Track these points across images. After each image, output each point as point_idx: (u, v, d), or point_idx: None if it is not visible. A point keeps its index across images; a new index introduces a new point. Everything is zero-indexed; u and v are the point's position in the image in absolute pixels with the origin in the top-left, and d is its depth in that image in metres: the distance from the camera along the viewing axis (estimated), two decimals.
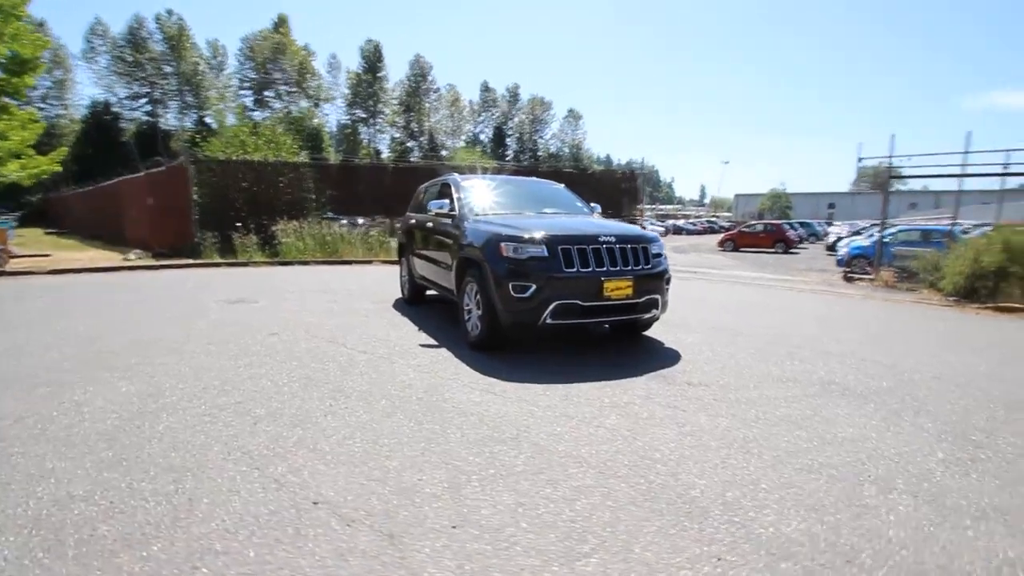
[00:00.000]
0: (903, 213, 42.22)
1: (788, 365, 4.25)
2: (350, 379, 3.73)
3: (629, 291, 4.20)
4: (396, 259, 7.69)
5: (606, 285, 4.10)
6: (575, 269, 4.07)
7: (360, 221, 16.09)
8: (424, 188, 7.02)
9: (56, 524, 1.98)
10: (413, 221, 6.69)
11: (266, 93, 57.32)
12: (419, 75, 70.25)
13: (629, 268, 4.23)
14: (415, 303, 6.88)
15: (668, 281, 4.59)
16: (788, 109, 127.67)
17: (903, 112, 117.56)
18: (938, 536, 1.97)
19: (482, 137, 77.63)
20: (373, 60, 64.81)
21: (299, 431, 2.82)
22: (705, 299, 8.28)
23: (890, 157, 10.89)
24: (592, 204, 5.84)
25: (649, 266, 4.37)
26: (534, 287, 4.01)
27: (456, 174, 6.02)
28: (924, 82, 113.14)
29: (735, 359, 4.39)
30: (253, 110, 54.66)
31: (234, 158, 15.28)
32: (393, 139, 70.59)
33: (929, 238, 13.15)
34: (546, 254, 4.05)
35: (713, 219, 60.41)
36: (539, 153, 77.13)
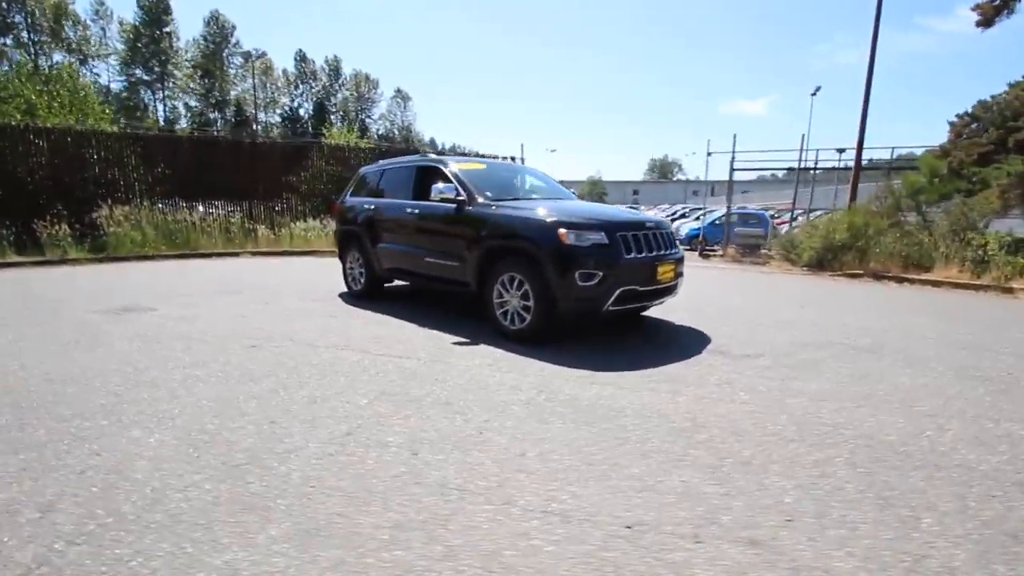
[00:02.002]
0: (689, 199, 50.88)
1: (786, 333, 4.96)
2: (439, 391, 3.28)
3: (672, 274, 4.44)
4: (274, 250, 6.80)
5: (659, 269, 4.27)
6: (633, 255, 4.14)
7: (201, 208, 13.56)
8: (377, 172, 6.29)
9: None
10: (372, 207, 5.97)
11: (5, 41, 43.76)
12: (218, 35, 60.71)
13: (669, 252, 4.46)
14: (368, 296, 6.21)
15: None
16: (611, 98, 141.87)
17: (685, 110, 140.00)
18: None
19: (301, 112, 70.79)
20: (157, 12, 53.91)
21: (496, 468, 2.42)
22: None
23: (733, 152, 13.02)
24: (571, 189, 5.94)
25: (676, 250, 4.66)
26: (600, 274, 3.98)
27: (437, 155, 5.51)
28: (697, 87, 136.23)
29: (737, 330, 4.95)
30: None
31: (17, 123, 11.51)
32: (189, 108, 60.15)
33: (748, 220, 16.10)
34: (607, 241, 4.04)
35: None
36: (367, 133, 73.25)
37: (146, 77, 54.77)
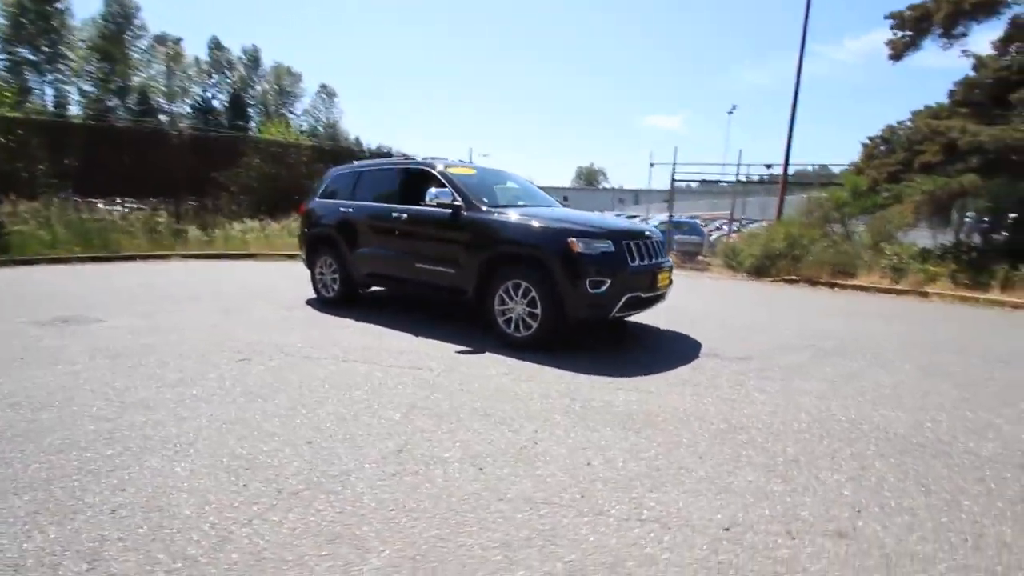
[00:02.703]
0: (616, 207, 53.22)
1: (762, 336, 5.31)
2: (470, 402, 3.19)
3: (667, 281, 4.63)
4: (207, 253, 6.32)
5: (659, 276, 4.43)
6: (636, 263, 4.27)
7: (121, 206, 12.25)
8: (352, 174, 6.00)
9: None
10: (349, 210, 5.70)
11: None
12: (120, 16, 55.22)
13: (664, 260, 4.64)
14: (341, 304, 5.92)
15: None
16: (540, 104, 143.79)
17: (607, 122, 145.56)
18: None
19: (216, 104, 65.94)
20: None
21: (570, 479, 2.39)
22: None
23: (674, 164, 13.77)
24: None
25: (668, 258, 4.86)
26: (609, 282, 4.06)
27: (427, 157, 5.36)
28: (618, 100, 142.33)
29: (718, 333, 5.23)
30: None
31: None
32: (84, 93, 54.14)
33: (682, 228, 17.05)
34: (614, 249, 4.13)
35: None
36: (288, 128, 69.43)
37: (32, 57, 48.55)
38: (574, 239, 4.07)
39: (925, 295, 8.10)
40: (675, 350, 4.58)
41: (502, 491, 2.18)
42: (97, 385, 3.26)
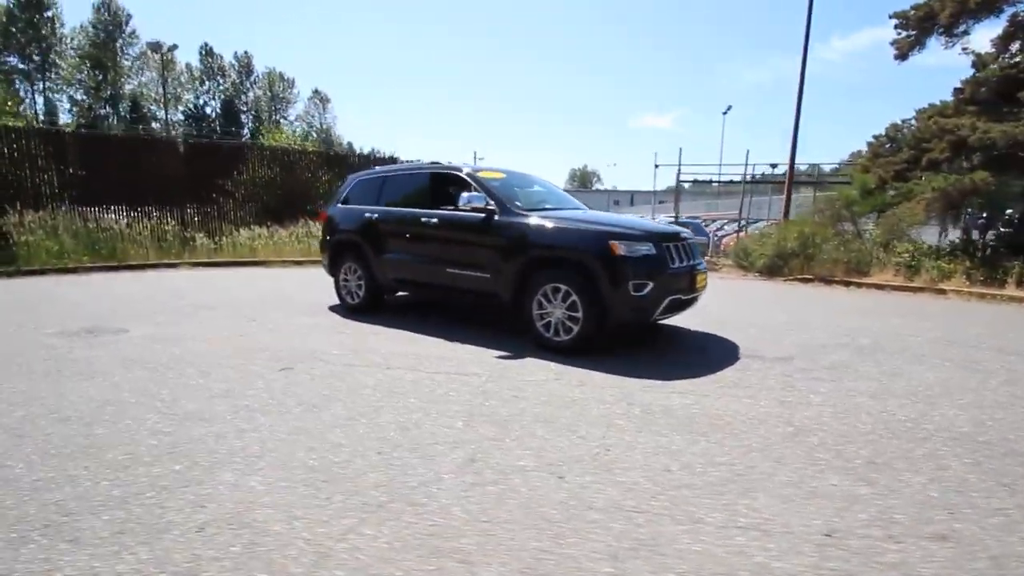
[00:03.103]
0: (611, 208, 53.51)
1: (795, 336, 5.30)
2: (529, 408, 3.15)
3: (704, 283, 4.61)
4: (215, 261, 6.21)
5: (697, 278, 4.41)
6: (676, 265, 4.25)
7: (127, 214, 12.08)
8: (376, 179, 5.96)
9: None
10: (375, 216, 5.64)
11: None
12: (110, 23, 54.91)
13: (700, 262, 4.63)
14: (365, 310, 5.86)
15: None
16: (532, 105, 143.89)
17: (597, 123, 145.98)
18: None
19: (208, 110, 65.61)
20: None
21: (654, 486, 2.35)
22: None
23: (679, 165, 13.80)
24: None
25: (702, 260, 4.84)
26: (651, 284, 4.03)
27: (458, 163, 5.30)
28: (606, 101, 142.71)
29: (750, 333, 5.22)
30: None
31: None
32: (75, 101, 53.75)
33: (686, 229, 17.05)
34: (655, 252, 4.11)
35: None
36: (282, 134, 69.07)
37: (22, 66, 48.14)
38: (616, 242, 4.04)
39: (942, 292, 8.14)
40: (714, 352, 4.55)
41: (589, 500, 2.14)
42: (143, 397, 3.20)
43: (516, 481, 2.28)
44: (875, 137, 12.03)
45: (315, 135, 77.58)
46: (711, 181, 23.74)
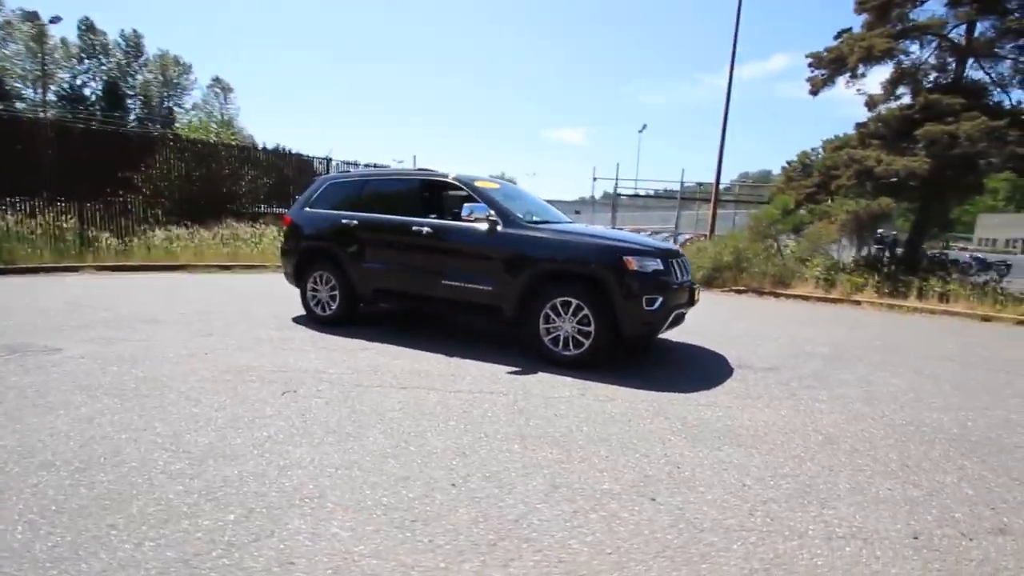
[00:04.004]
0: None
1: (766, 347, 5.70)
2: (575, 427, 3.09)
3: (698, 296, 4.82)
4: (125, 264, 5.63)
5: (694, 292, 4.61)
6: (679, 280, 4.41)
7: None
8: (355, 183, 5.59)
9: None
10: (355, 222, 5.29)
11: None
12: None
13: (691, 277, 4.84)
14: (339, 323, 5.47)
15: None
16: (446, 115, 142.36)
17: (509, 134, 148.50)
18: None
19: (87, 91, 58.10)
20: None
21: (743, 502, 2.39)
22: None
23: (616, 179, 14.42)
24: None
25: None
26: (661, 299, 4.14)
27: (457, 172, 5.11)
28: (517, 113, 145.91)
29: (723, 343, 5.55)
30: None
31: None
32: None
33: None
34: (663, 267, 4.24)
35: None
36: (177, 124, 62.77)
37: None
38: (630, 257, 4.11)
39: (857, 303, 9.21)
40: (704, 363, 4.77)
41: (694, 521, 2.14)
42: (131, 431, 2.73)
43: (613, 506, 2.22)
44: (788, 163, 13.36)
45: (215, 126, 71.58)
46: (646, 195, 25.08)
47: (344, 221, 5.37)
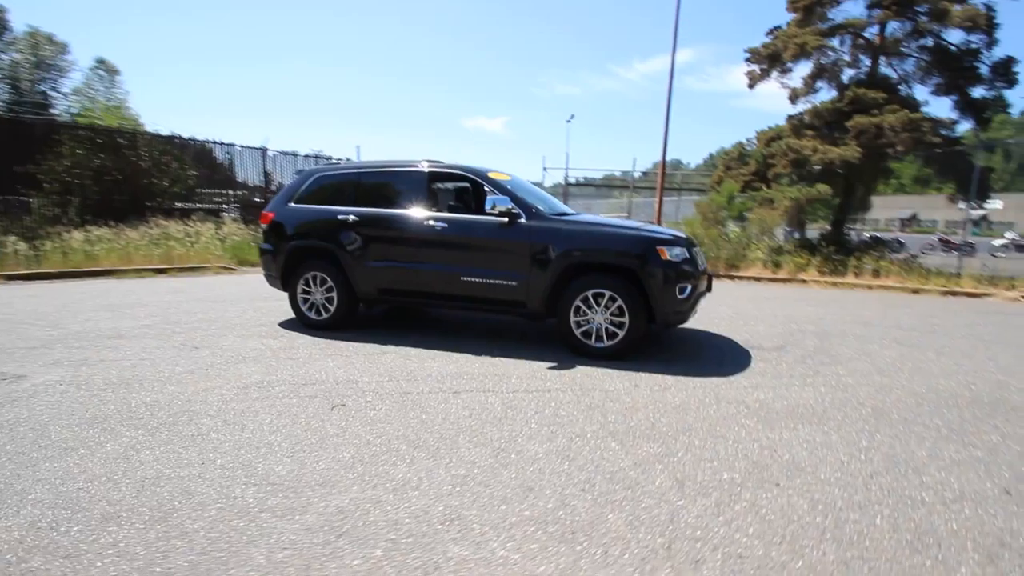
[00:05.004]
0: None
1: (762, 326, 6.01)
2: (654, 421, 3.09)
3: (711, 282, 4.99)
4: (37, 272, 4.96)
5: (711, 279, 4.76)
6: (700, 267, 4.53)
7: None
8: (349, 176, 5.20)
9: None
10: (353, 218, 4.92)
11: None
12: None
13: None
14: (335, 327, 5.10)
15: None
16: (360, 104, 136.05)
17: (435, 126, 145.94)
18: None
19: None
20: None
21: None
22: None
23: (566, 168, 14.57)
24: None
25: None
26: (690, 287, 4.24)
27: (467, 164, 4.86)
28: (439, 101, 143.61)
29: (724, 326, 5.81)
30: None
31: None
32: None
33: None
34: (688, 255, 4.33)
35: None
36: (53, 110, 55.08)
37: None
38: (663, 247, 4.16)
39: (804, 282, 10.00)
40: (718, 346, 4.95)
41: (829, 502, 2.20)
42: (193, 467, 2.38)
43: (747, 496, 2.24)
44: (725, 152, 14.16)
45: (99, 112, 63.79)
46: (589, 183, 25.52)
47: (340, 217, 4.99)
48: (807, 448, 2.73)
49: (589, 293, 4.24)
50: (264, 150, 13.69)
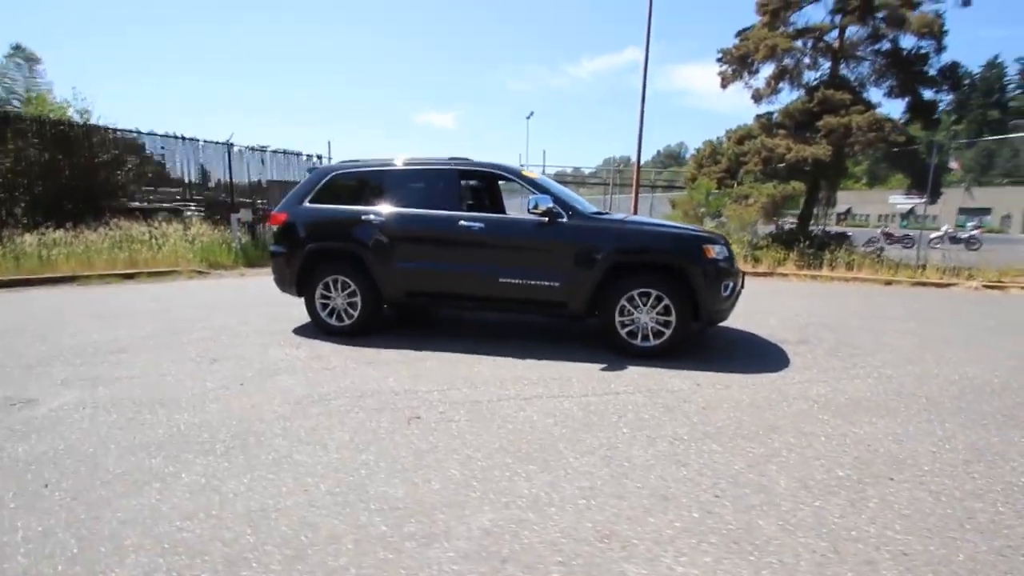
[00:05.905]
0: None
1: (774, 319, 6.18)
2: (745, 424, 3.10)
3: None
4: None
5: (744, 276, 4.85)
6: (737, 264, 4.60)
7: None
8: (371, 175, 4.96)
9: None
10: (378, 219, 4.70)
11: None
12: None
13: None
14: (359, 332, 4.87)
15: None
16: (304, 98, 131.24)
17: (385, 122, 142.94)
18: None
19: None
20: None
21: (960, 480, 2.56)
22: None
23: (544, 165, 14.58)
24: None
25: None
26: (732, 284, 4.31)
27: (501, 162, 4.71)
28: (389, 96, 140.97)
29: (740, 322, 5.94)
30: None
31: None
32: None
33: None
34: (728, 253, 4.39)
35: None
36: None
37: None
38: (708, 245, 4.20)
39: (784, 276, 10.42)
40: (747, 341, 5.04)
41: (946, 492, 2.27)
42: (296, 496, 2.19)
43: (871, 492, 2.27)
44: (697, 150, 14.57)
45: (18, 103, 58.42)
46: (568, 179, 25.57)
47: (364, 218, 4.75)
48: (894, 441, 2.81)
49: (635, 292, 4.23)
50: (230, 145, 12.91)
